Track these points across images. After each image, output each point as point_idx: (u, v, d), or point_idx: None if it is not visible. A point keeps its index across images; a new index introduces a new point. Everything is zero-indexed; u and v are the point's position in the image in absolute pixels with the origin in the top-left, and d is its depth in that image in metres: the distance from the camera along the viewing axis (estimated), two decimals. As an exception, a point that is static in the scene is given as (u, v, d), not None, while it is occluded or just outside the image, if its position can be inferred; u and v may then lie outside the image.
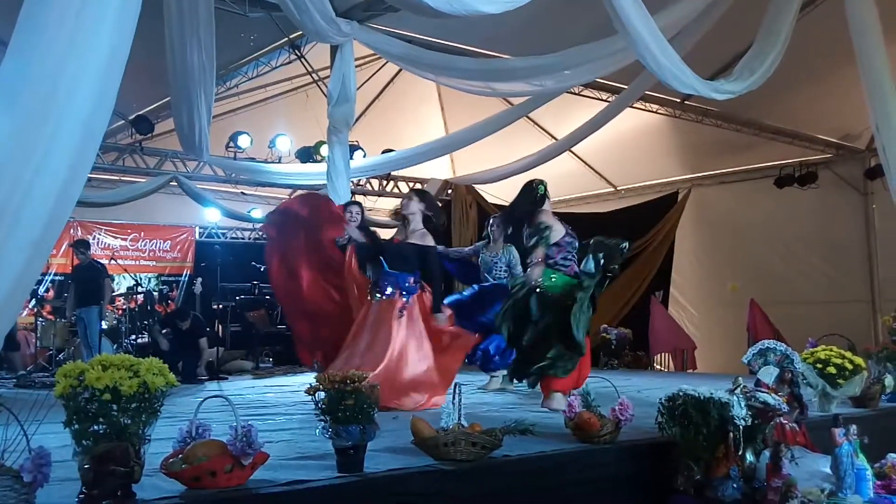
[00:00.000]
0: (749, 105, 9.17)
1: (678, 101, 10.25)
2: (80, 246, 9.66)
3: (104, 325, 9.52)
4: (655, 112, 10.65)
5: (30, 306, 10.48)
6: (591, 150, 11.90)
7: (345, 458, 3.02)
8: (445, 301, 6.12)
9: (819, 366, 5.10)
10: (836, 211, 11.66)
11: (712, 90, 6.46)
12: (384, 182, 12.62)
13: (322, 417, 3.04)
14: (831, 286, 11.43)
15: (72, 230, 11.23)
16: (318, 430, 3.08)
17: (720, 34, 7.06)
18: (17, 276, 2.88)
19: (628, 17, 5.26)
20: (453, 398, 3.43)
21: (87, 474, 2.47)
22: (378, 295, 5.74)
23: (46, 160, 2.87)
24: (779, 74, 6.68)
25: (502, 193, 12.80)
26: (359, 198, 12.05)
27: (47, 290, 11.44)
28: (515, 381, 6.14)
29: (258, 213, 12.56)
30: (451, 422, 3.34)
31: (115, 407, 2.51)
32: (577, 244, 5.55)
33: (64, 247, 11.02)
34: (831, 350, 5.25)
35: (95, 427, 2.52)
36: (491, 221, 7.11)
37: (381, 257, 5.79)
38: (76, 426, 2.53)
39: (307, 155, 10.82)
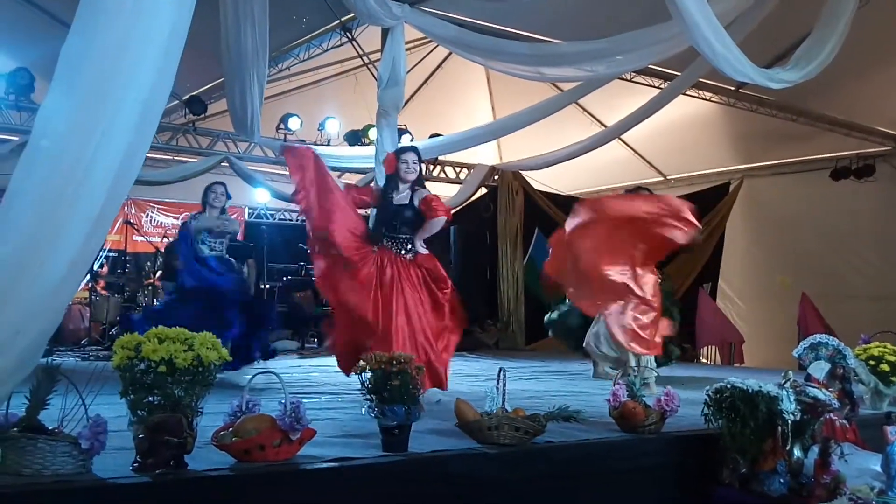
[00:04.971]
0: (805, 95, 8.95)
1: (732, 89, 10.03)
2: None
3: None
4: (709, 100, 10.44)
5: (84, 281, 10.75)
6: (640, 137, 11.71)
7: (389, 438, 3.06)
8: None
9: (872, 362, 4.99)
10: (893, 205, 11.32)
11: (768, 79, 6.32)
12: (431, 166, 12.63)
13: (368, 397, 3.08)
14: (886, 282, 11.09)
15: (126, 208, 11.47)
16: (363, 409, 3.12)
17: (778, 21, 6.90)
18: (77, 252, 2.94)
19: (684, 3, 5.17)
20: (497, 382, 3.44)
21: (141, 443, 2.54)
22: None
23: (107, 138, 2.92)
24: (836, 64, 6.50)
25: (549, 180, 12.73)
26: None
27: (101, 266, 11.71)
28: None
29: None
30: (495, 406, 3.35)
31: (169, 379, 2.58)
32: None
33: (118, 224, 11.26)
34: (885, 347, 5.12)
35: (150, 398, 2.59)
36: None
37: None
38: (132, 396, 2.61)
39: (356, 138, 10.91)
